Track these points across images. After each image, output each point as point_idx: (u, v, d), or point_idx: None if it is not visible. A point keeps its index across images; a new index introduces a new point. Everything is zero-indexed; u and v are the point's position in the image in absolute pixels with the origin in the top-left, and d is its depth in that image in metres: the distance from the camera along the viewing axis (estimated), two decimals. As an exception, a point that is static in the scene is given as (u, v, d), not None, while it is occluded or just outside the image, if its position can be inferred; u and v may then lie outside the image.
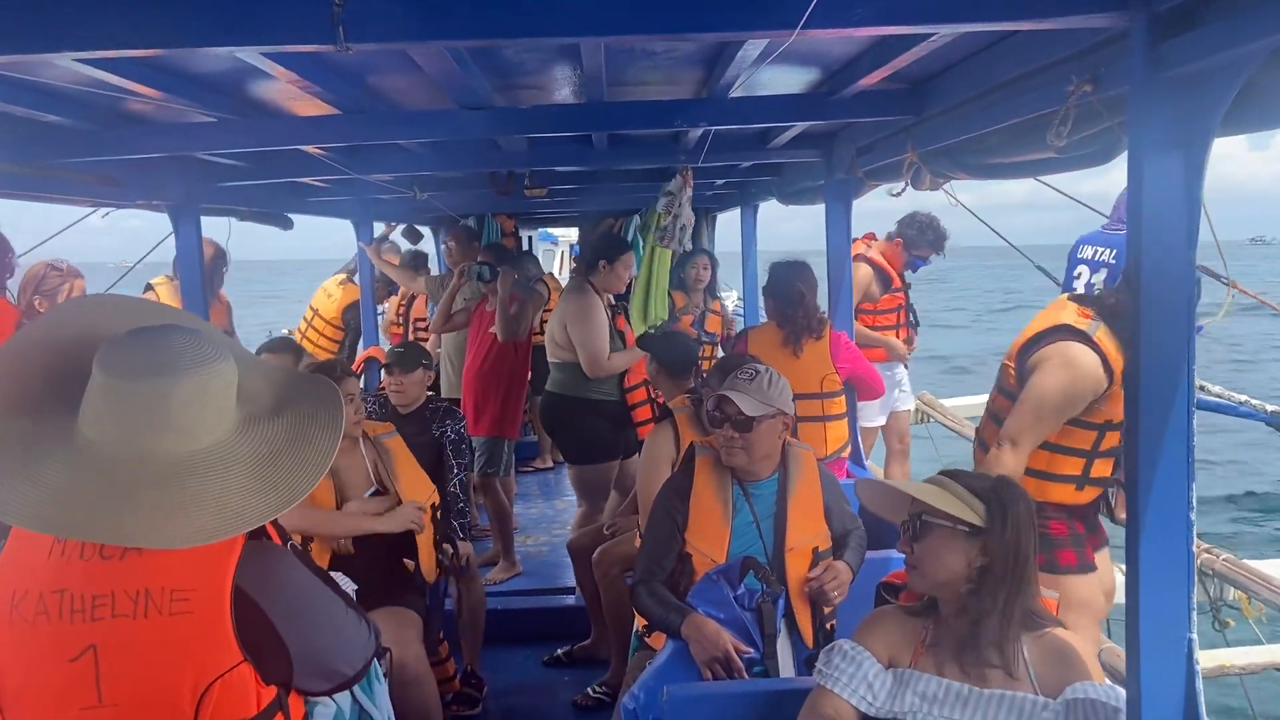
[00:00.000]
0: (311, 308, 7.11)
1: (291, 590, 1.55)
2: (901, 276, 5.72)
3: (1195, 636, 1.68)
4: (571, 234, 14.95)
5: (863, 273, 5.54)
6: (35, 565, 1.43)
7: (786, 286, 4.20)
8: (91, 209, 3.80)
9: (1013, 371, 3.08)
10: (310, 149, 3.49)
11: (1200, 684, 1.69)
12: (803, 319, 4.15)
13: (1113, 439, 2.99)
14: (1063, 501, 3.07)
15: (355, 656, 1.66)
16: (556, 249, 18.91)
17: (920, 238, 5.58)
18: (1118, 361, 2.88)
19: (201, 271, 4.10)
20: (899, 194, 3.31)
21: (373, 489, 3.39)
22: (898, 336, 5.68)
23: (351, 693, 2.65)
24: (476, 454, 5.21)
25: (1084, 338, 2.93)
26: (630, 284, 5.45)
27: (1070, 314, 3.00)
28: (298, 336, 6.98)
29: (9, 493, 1.37)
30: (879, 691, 1.95)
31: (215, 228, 5.00)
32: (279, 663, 1.50)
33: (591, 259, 4.84)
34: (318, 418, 1.52)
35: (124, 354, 1.42)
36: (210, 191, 4.05)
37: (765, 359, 3.65)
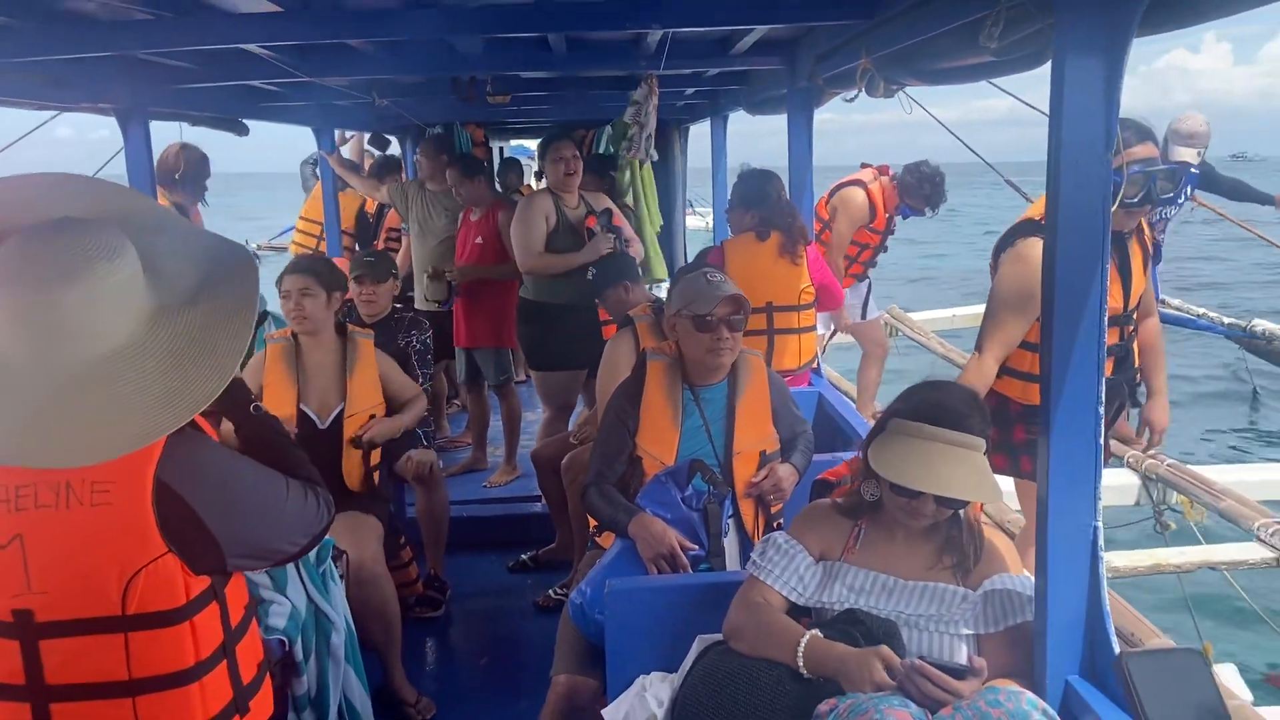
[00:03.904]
0: (304, 217, 7.12)
1: (216, 480, 1.54)
2: (890, 220, 5.71)
3: (1100, 525, 1.75)
4: (547, 147, 14.72)
5: (858, 200, 5.53)
6: None
7: (763, 194, 4.18)
8: (41, 113, 3.71)
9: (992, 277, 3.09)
10: (257, 49, 3.40)
11: (1103, 569, 1.76)
12: (791, 223, 4.12)
13: None
14: None
15: (297, 533, 1.68)
16: (533, 164, 18.60)
17: (915, 188, 5.53)
18: None
19: (152, 179, 4.04)
20: (852, 99, 3.29)
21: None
22: (849, 271, 5.72)
23: (307, 593, 2.73)
24: (485, 365, 5.30)
25: (1038, 229, 2.87)
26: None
27: (1036, 209, 2.98)
28: (293, 248, 6.99)
29: None
30: (809, 583, 2.03)
31: (167, 133, 4.91)
32: (208, 553, 1.51)
33: (540, 160, 4.85)
34: (229, 317, 1.44)
35: (10, 264, 1.36)
36: (159, 95, 3.96)
37: (745, 271, 3.68)
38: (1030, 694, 1.64)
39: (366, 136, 7.85)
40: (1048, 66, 1.71)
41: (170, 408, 1.37)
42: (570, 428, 4.68)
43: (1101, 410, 1.67)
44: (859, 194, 5.54)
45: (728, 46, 4.14)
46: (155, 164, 4.29)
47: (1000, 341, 2.98)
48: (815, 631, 1.88)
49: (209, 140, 5.24)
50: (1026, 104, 2.08)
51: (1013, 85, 2.51)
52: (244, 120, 5.16)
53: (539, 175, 4.91)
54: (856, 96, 3.24)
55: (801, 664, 1.85)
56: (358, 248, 6.87)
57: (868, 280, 6.01)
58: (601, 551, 2.92)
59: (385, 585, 3.26)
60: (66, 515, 1.42)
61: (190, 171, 4.90)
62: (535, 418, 6.28)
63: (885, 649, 1.77)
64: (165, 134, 4.80)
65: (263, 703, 1.69)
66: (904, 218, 5.75)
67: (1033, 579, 1.91)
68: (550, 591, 4.17)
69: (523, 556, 4.56)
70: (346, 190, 6.87)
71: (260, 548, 1.63)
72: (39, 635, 1.45)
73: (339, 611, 2.84)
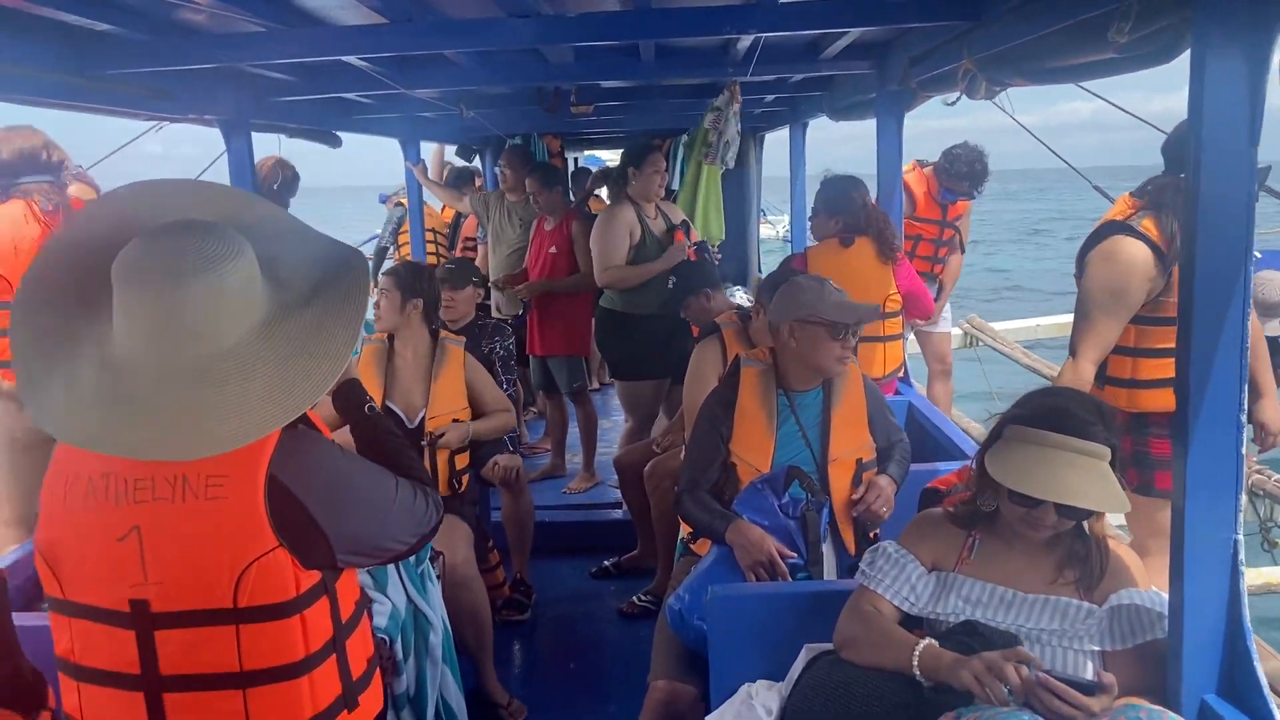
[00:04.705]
0: (430, 228, 7.38)
1: (327, 477, 1.55)
2: (943, 210, 5.60)
3: (1241, 538, 1.67)
4: (618, 158, 14.71)
5: None
6: (87, 450, 1.46)
7: (848, 200, 4.14)
8: (149, 124, 3.85)
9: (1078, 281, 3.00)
10: (357, 61, 3.48)
11: (1244, 584, 1.69)
12: (880, 229, 4.06)
13: None
14: (1164, 409, 2.88)
15: (405, 532, 1.68)
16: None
17: (949, 170, 5.42)
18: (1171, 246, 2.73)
19: (253, 189, 4.15)
20: (953, 103, 3.23)
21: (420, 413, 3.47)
22: None
23: (406, 593, 2.76)
24: (559, 373, 5.35)
25: (1127, 228, 2.80)
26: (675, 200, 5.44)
27: (1119, 209, 2.90)
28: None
29: (50, 401, 1.40)
30: (921, 593, 1.98)
31: (265, 144, 5.05)
32: (317, 548, 1.51)
33: (622, 170, 4.83)
34: (338, 320, 1.46)
35: (132, 261, 1.39)
36: (261, 106, 4.08)
37: (829, 278, 3.64)
38: (1172, 713, 1.58)
39: (448, 148, 8.00)
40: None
41: (278, 405, 1.39)
42: (651, 435, 4.68)
43: (1244, 418, 1.60)
44: None
45: (816, 51, 4.11)
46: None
47: (1094, 344, 2.89)
48: (930, 640, 1.84)
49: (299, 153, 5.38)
50: (1150, 124, 2.01)
51: (1096, 88, 2.44)
52: (336, 132, 5.28)
53: (620, 183, 4.87)
54: (958, 99, 3.19)
55: (917, 671, 1.80)
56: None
57: (936, 282, 5.78)
58: (695, 558, 2.90)
59: (478, 588, 3.29)
60: (182, 508, 1.45)
61: (284, 184, 5.03)
62: (610, 425, 6.31)
63: (1023, 651, 1.72)
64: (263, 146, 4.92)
65: (372, 698, 1.69)
66: (950, 202, 5.60)
67: (1161, 594, 1.84)
68: (634, 598, 4.16)
69: (605, 563, 4.57)
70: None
71: (369, 544, 1.63)
72: (154, 625, 1.47)
73: (437, 612, 2.87)
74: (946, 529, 2.03)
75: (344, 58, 3.34)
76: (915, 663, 1.81)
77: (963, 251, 5.85)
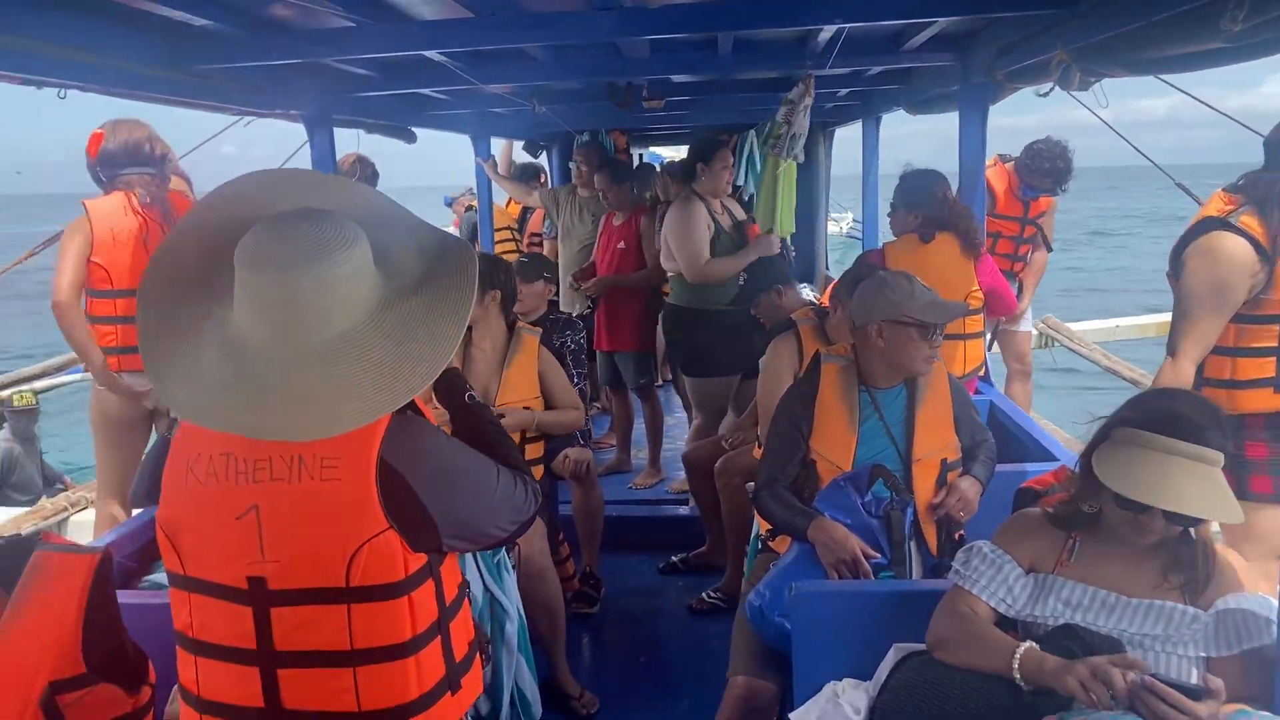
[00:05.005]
0: (500, 227, 7.47)
1: (434, 462, 1.57)
2: (1025, 207, 5.47)
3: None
4: (682, 154, 14.62)
5: None
6: (208, 429, 1.50)
7: (929, 195, 4.07)
8: (232, 119, 3.94)
9: (1172, 280, 2.92)
10: (437, 56, 3.51)
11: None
12: (963, 225, 3.98)
13: None
14: (1263, 410, 2.81)
15: (505, 518, 1.70)
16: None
17: (1030, 165, 5.28)
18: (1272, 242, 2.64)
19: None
20: (1046, 94, 3.15)
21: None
22: None
23: (484, 582, 2.79)
24: (625, 368, 5.36)
25: (1226, 224, 2.71)
26: (749, 200, 5.40)
27: (1215, 205, 2.81)
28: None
29: (174, 383, 1.44)
30: (1019, 595, 1.94)
31: (345, 140, 5.14)
32: (425, 531, 1.53)
33: (690, 165, 4.80)
34: (446, 309, 1.48)
35: (253, 247, 1.42)
36: (342, 102, 4.15)
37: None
38: (1285, 721, 1.52)
39: (515, 144, 8.06)
40: None
41: (386, 391, 1.41)
42: (718, 432, 4.66)
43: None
44: None
45: (898, 43, 4.05)
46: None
47: (1195, 343, 2.81)
48: (1031, 642, 1.79)
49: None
50: (1234, 119, 1.93)
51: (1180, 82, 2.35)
52: (411, 128, 5.35)
53: (689, 175, 4.82)
54: (1051, 91, 3.11)
55: (1018, 673, 1.76)
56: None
57: (1016, 280, 5.66)
58: (773, 555, 2.87)
59: (551, 579, 3.30)
60: (298, 488, 1.48)
61: (364, 180, 5.12)
62: (674, 421, 6.30)
63: (1128, 655, 1.67)
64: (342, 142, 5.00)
65: (473, 681, 1.71)
66: (1032, 199, 5.46)
67: (1270, 599, 1.77)
68: (704, 595, 4.15)
69: (673, 559, 4.56)
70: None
71: (472, 529, 1.65)
72: (270, 603, 1.51)
73: (513, 601, 2.90)
74: (1045, 530, 1.98)
75: (424, 52, 3.37)
76: (1016, 666, 1.76)
77: (1049, 249, 5.70)
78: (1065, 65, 2.83)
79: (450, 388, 1.86)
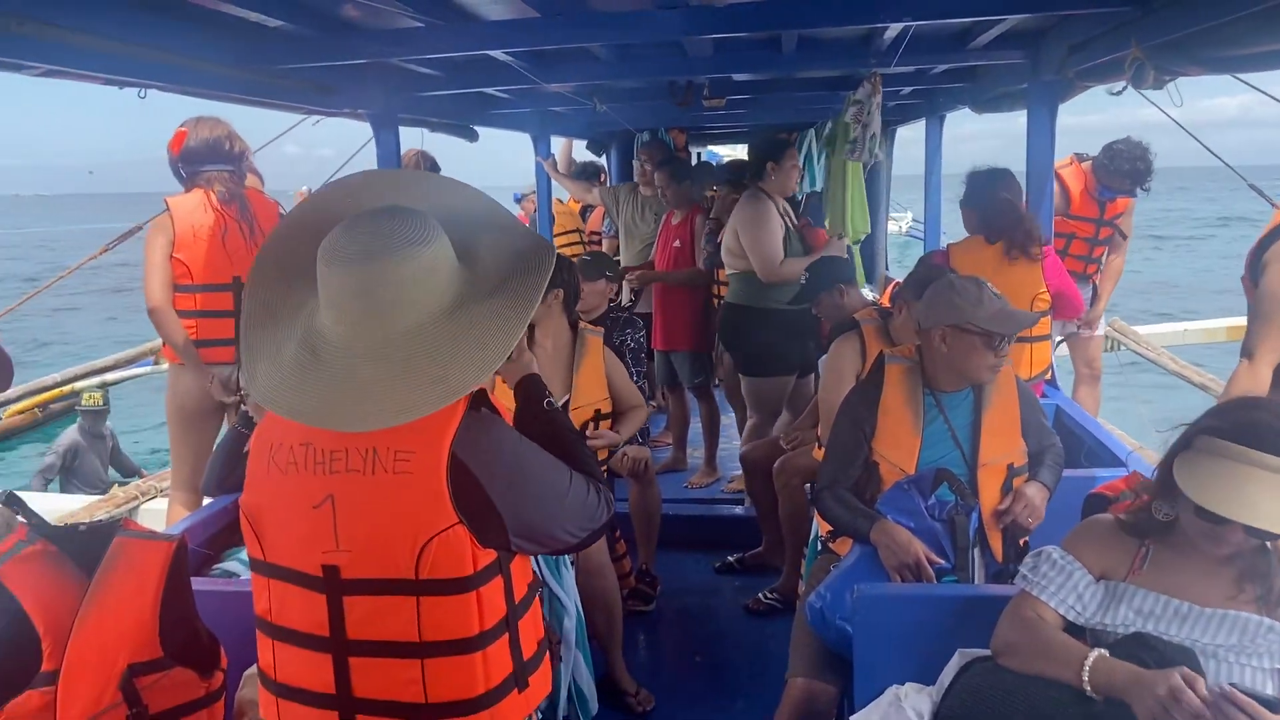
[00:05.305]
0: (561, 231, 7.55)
1: (506, 461, 1.57)
2: (1100, 208, 5.35)
3: None
4: (739, 153, 14.53)
5: None
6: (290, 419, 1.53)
7: (985, 195, 4.01)
8: (302, 117, 4.02)
9: (1248, 284, 2.84)
10: (502, 55, 3.55)
11: None
12: (1019, 229, 3.91)
13: None
14: None
15: (575, 524, 1.68)
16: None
17: (1108, 166, 5.14)
18: None
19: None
20: (1119, 92, 3.08)
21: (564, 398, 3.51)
22: None
23: (543, 578, 2.81)
24: (681, 367, 5.37)
25: None
26: (804, 199, 5.37)
27: None
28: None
29: (260, 367, 1.50)
30: (1088, 602, 1.90)
31: (407, 137, 5.21)
32: (493, 529, 1.54)
33: (758, 164, 4.78)
34: (508, 313, 1.48)
35: (330, 241, 1.46)
36: (408, 101, 4.21)
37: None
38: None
39: (577, 142, 8.11)
40: None
41: (438, 387, 1.42)
42: (774, 432, 4.63)
43: None
44: None
45: (965, 41, 3.99)
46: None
47: (1275, 346, 2.73)
48: (1102, 650, 1.76)
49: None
50: None
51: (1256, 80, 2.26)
52: (474, 127, 5.41)
53: (756, 173, 4.80)
54: (1124, 89, 3.04)
55: (1087, 683, 1.73)
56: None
57: (1089, 283, 5.55)
58: (833, 557, 2.86)
59: (610, 576, 3.32)
60: (371, 480, 1.50)
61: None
62: (727, 421, 6.29)
63: (1188, 670, 1.64)
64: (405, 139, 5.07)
65: (541, 680, 1.71)
66: (1109, 200, 5.31)
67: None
68: (760, 595, 4.13)
69: (729, 558, 4.55)
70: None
71: (542, 531, 1.64)
72: (343, 591, 1.53)
73: (571, 597, 2.91)
74: (1116, 537, 1.94)
75: (489, 52, 3.41)
76: (1086, 675, 1.73)
77: (1124, 237, 5.53)
78: (1139, 63, 2.76)
79: (529, 394, 1.85)
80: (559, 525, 1.66)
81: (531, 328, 3.62)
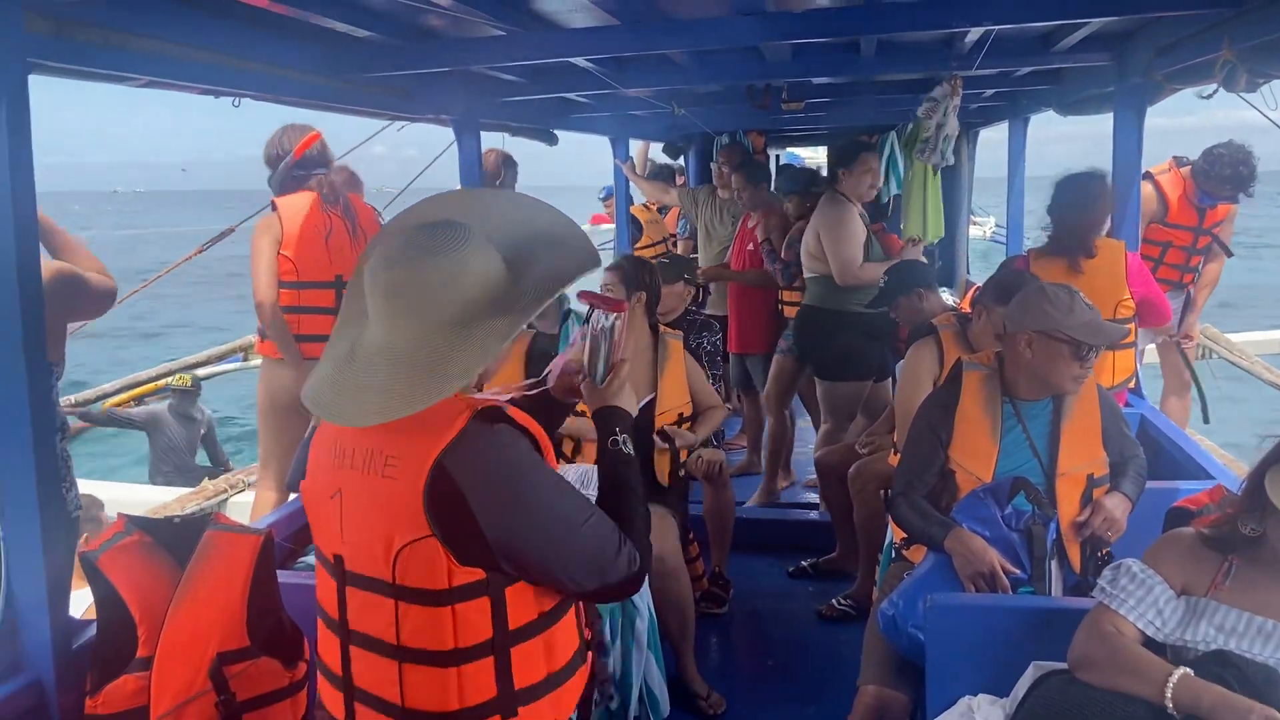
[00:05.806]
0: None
1: (500, 481, 1.49)
2: (1200, 215, 5.14)
3: None
4: (819, 155, 14.33)
5: (1143, 192, 5.04)
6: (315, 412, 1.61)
7: (1058, 200, 3.90)
8: (387, 122, 4.15)
9: None
10: (583, 62, 3.60)
11: None
12: (1074, 226, 3.77)
13: None
14: None
15: (581, 570, 1.55)
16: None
17: (1208, 171, 4.91)
18: None
19: (479, 184, 4.39)
20: (1210, 95, 2.99)
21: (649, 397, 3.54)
22: (1156, 276, 5.14)
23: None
24: (755, 371, 5.38)
25: None
26: (889, 202, 5.31)
27: None
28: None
29: (319, 370, 1.58)
30: (1169, 618, 1.86)
31: (490, 139, 5.31)
32: (474, 548, 1.48)
33: (832, 169, 4.76)
34: (500, 332, 1.49)
35: (381, 245, 1.53)
36: (489, 107, 4.29)
37: (1053, 281, 3.44)
38: None
39: (654, 145, 8.16)
40: None
41: (404, 399, 1.45)
42: (848, 437, 4.60)
43: None
44: (1143, 186, 4.97)
45: (1049, 43, 3.91)
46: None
47: None
48: (1186, 669, 1.72)
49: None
50: None
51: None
52: (554, 130, 5.49)
53: (833, 178, 4.78)
54: (1215, 92, 2.95)
55: (1170, 702, 1.69)
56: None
57: (1185, 291, 5.34)
58: (907, 564, 2.84)
59: (683, 578, 3.33)
60: (367, 480, 1.54)
61: (507, 180, 5.29)
62: (804, 424, 6.25)
63: (1271, 710, 1.59)
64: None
65: (538, 715, 1.59)
66: (1209, 207, 5.09)
67: None
68: (834, 601, 4.11)
69: (803, 563, 4.53)
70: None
71: (534, 564, 1.53)
72: (346, 581, 1.60)
73: (644, 598, 2.94)
74: (1199, 551, 1.90)
75: (571, 59, 3.46)
76: (1169, 694, 1.70)
77: (1228, 254, 5.31)
78: (1230, 65, 2.68)
79: (604, 426, 1.75)
80: (558, 564, 1.53)
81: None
